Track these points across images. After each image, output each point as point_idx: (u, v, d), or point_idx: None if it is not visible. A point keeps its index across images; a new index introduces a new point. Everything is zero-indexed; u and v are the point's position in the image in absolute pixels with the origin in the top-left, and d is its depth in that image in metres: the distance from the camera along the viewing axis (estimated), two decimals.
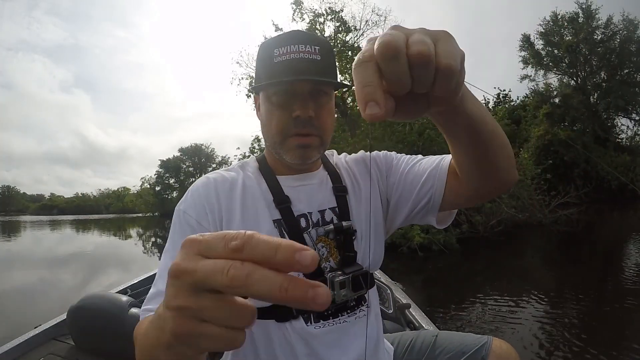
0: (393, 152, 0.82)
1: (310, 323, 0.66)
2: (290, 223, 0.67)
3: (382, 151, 0.83)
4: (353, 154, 0.85)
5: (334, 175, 0.76)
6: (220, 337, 0.25)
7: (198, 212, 0.65)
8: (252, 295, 0.23)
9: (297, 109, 0.64)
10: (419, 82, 0.28)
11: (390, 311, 1.92)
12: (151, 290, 0.61)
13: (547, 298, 4.17)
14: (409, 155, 0.79)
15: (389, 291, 2.07)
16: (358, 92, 0.27)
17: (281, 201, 0.68)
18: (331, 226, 0.68)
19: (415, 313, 1.78)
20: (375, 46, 0.28)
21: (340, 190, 0.74)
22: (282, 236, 0.65)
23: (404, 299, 1.96)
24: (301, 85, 0.64)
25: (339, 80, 0.69)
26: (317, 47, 0.64)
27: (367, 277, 0.62)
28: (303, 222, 0.69)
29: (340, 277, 0.56)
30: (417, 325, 1.69)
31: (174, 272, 0.26)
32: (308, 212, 0.70)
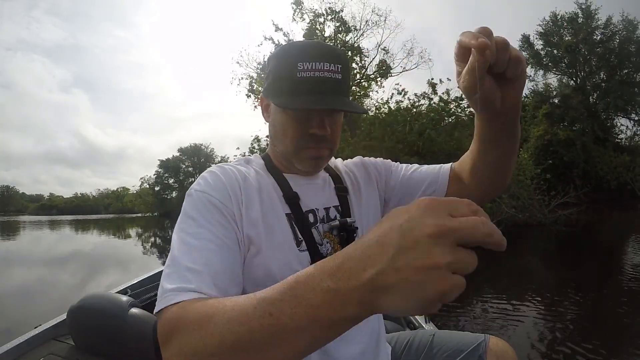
0: (388, 160, 0.89)
1: None
2: (299, 217, 0.68)
3: (379, 158, 0.90)
4: (349, 160, 0.89)
5: (335, 176, 0.80)
6: (462, 286, 0.29)
7: (221, 194, 0.63)
8: (493, 240, 0.30)
9: (315, 127, 0.67)
10: (499, 61, 0.43)
11: None
12: (176, 269, 0.51)
13: (547, 298, 4.18)
14: (406, 164, 0.87)
15: None
16: (468, 38, 0.43)
17: (291, 196, 0.70)
18: (337, 221, 0.71)
19: None
20: (475, 29, 0.44)
21: (341, 191, 0.77)
22: (293, 230, 0.67)
23: None
24: None
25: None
26: (339, 66, 0.65)
27: None
28: (311, 218, 0.71)
29: None
30: (417, 325, 1.69)
31: (440, 232, 0.29)
32: (315, 208, 0.72)
